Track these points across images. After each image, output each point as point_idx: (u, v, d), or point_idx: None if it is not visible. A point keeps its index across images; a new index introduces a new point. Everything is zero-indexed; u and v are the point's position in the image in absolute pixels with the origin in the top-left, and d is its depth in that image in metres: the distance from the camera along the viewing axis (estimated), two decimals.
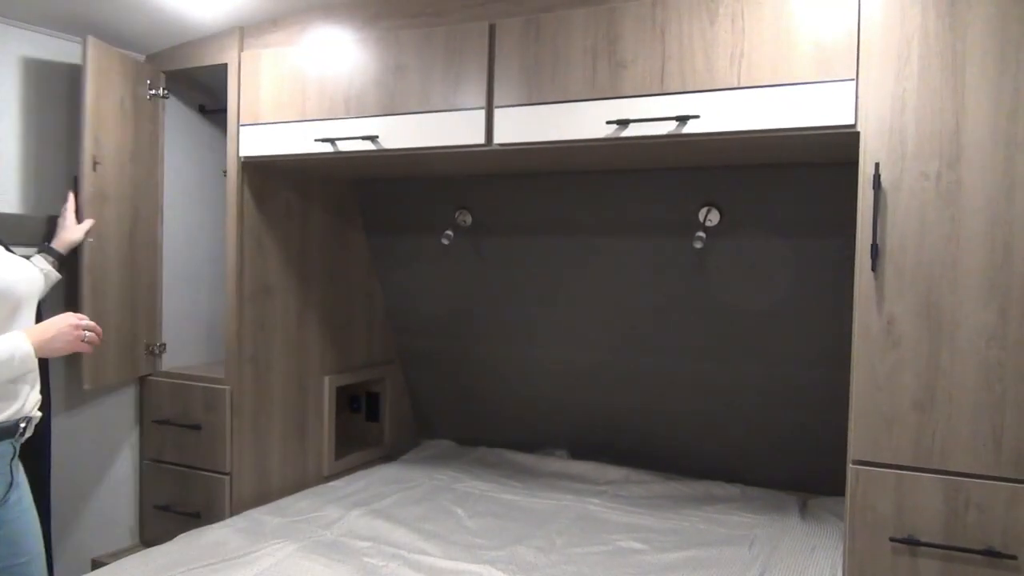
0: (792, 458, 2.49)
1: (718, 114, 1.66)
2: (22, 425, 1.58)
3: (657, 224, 2.34)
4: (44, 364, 1.71)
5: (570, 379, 2.71)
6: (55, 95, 2.23)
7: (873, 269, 1.52)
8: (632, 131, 1.74)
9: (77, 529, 2.36)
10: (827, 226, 2.10)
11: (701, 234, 2.16)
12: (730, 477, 2.56)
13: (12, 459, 1.58)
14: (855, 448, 1.56)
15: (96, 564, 2.34)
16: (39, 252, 2.03)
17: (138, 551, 2.33)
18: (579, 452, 2.84)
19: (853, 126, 1.55)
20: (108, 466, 2.46)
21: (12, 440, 1.57)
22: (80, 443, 2.36)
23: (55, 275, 2.02)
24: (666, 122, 1.70)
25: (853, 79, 1.54)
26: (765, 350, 2.36)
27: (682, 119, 1.68)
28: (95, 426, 2.41)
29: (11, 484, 1.58)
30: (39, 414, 1.66)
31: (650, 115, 1.71)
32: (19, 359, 1.49)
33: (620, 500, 2.42)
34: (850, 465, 1.57)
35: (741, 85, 1.64)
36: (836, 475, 2.35)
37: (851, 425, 1.57)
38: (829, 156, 1.85)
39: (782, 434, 2.46)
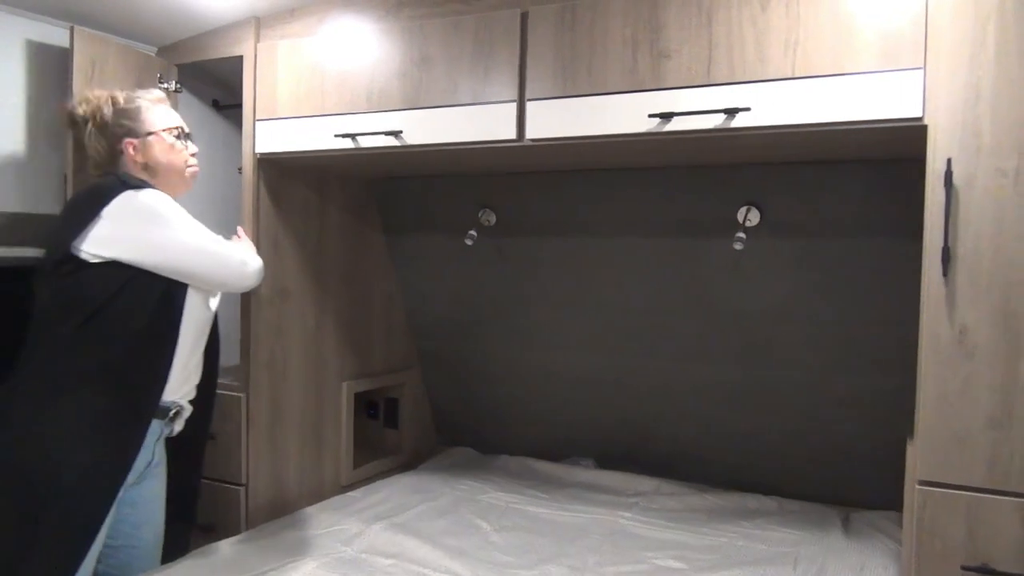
0: (831, 469, 2.38)
1: (771, 106, 1.54)
2: (173, 411, 1.72)
3: (692, 224, 2.22)
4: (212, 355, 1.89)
5: (597, 385, 2.60)
6: (58, 89, 2.13)
7: (944, 274, 1.40)
8: (676, 125, 1.63)
9: None
10: (876, 227, 1.99)
11: (741, 235, 2.04)
12: (766, 489, 2.44)
13: (157, 440, 1.72)
14: (922, 467, 1.44)
15: None
16: None
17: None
18: (606, 461, 2.73)
19: (920, 119, 1.43)
20: None
21: (162, 422, 1.70)
22: None
23: None
24: (714, 115, 1.58)
25: (921, 67, 1.42)
26: (803, 357, 2.24)
27: (731, 112, 1.57)
28: None
29: (150, 463, 1.72)
30: (189, 408, 1.79)
31: (696, 108, 1.59)
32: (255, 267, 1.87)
33: (652, 513, 2.31)
34: (916, 486, 1.45)
35: (796, 75, 1.52)
36: (879, 487, 2.27)
37: (917, 442, 1.45)
38: (889, 152, 1.73)
39: (821, 444, 2.34)
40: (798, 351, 2.23)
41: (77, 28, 2.02)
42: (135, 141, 1.76)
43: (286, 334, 2.35)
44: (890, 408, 2.13)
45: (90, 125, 1.77)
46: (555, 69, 1.76)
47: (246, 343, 2.23)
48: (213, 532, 2.23)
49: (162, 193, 1.71)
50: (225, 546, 1.95)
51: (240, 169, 2.24)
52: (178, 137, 1.82)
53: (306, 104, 2.08)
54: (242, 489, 2.23)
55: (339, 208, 2.54)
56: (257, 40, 2.18)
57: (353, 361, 2.64)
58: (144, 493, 1.78)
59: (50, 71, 2.08)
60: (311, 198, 2.42)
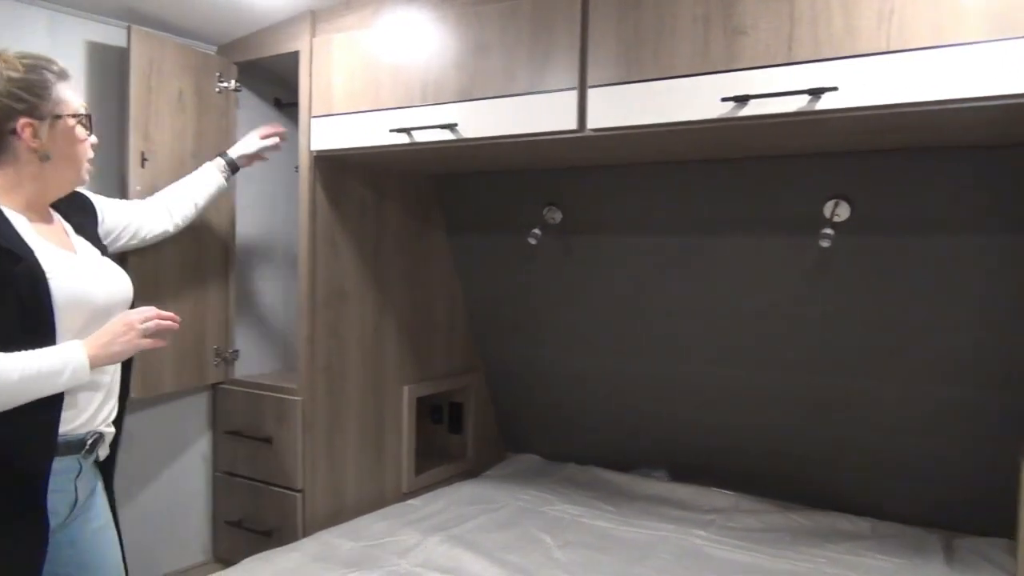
0: (931, 489, 2.16)
1: (862, 85, 1.37)
2: (89, 441, 1.42)
3: (772, 220, 2.04)
4: (125, 375, 1.56)
5: (669, 392, 2.44)
6: (117, 90, 2.12)
7: None
8: (752, 109, 1.47)
9: (150, 542, 2.26)
10: (985, 222, 1.77)
11: (828, 231, 1.84)
12: (857, 509, 2.23)
13: (77, 476, 1.41)
14: None
15: None
16: (217, 155, 2.11)
17: (210, 568, 2.24)
18: (679, 474, 2.57)
19: None
20: (182, 477, 2.35)
21: (78, 456, 1.40)
22: (153, 451, 2.27)
23: (222, 182, 2.08)
24: (795, 97, 1.42)
25: None
26: (899, 366, 2.04)
27: (815, 92, 1.39)
28: (169, 434, 2.31)
29: (75, 503, 1.42)
30: (112, 430, 1.50)
31: (775, 89, 1.43)
32: (71, 371, 1.32)
33: (729, 532, 2.14)
34: None
35: (891, 49, 1.34)
36: (985, 511, 2.04)
37: None
38: (1001, 135, 1.53)
39: (918, 461, 2.13)
40: (892, 359, 2.03)
41: (135, 28, 2.01)
42: (35, 123, 1.38)
43: (344, 337, 2.28)
44: (999, 423, 1.92)
45: None
46: (618, 53, 1.62)
47: (303, 346, 2.18)
48: (270, 538, 2.20)
49: None
50: (277, 554, 1.89)
51: (297, 167, 2.19)
52: (84, 125, 1.47)
53: (361, 99, 2.01)
54: (299, 495, 2.19)
55: (398, 206, 2.47)
56: (312, 35, 2.13)
57: (414, 364, 2.56)
58: (82, 529, 1.47)
59: (109, 72, 2.08)
60: (369, 196, 2.35)
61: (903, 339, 1.99)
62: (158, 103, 2.07)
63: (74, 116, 1.44)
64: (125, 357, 1.45)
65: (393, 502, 2.38)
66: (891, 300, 1.97)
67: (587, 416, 2.69)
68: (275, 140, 2.17)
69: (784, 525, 2.19)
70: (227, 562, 2.15)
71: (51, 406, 1.33)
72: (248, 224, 2.42)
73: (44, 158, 1.40)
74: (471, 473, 2.75)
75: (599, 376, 2.56)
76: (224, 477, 2.38)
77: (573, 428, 2.76)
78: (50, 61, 1.44)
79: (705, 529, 2.15)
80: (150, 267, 2.07)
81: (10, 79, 1.36)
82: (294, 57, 2.16)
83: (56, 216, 1.50)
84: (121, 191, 2.07)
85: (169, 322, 1.48)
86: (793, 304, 2.10)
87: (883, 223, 1.88)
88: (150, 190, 2.06)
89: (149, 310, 1.46)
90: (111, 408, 1.49)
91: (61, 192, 1.49)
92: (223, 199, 2.21)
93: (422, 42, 1.89)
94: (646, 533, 2.13)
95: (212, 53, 2.32)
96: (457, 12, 1.85)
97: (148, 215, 1.89)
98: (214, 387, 2.39)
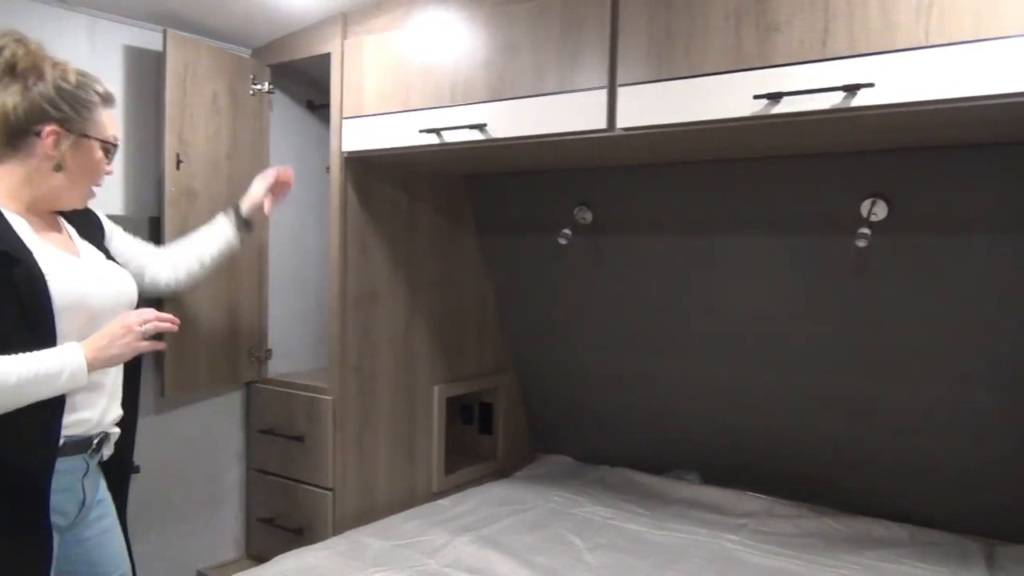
0: (972, 495, 2.10)
1: (899, 81, 1.33)
2: (95, 441, 1.43)
3: (806, 219, 2.00)
4: (134, 375, 1.59)
5: (702, 394, 2.41)
6: (153, 93, 2.16)
7: None
8: (785, 106, 1.44)
9: (184, 538, 2.29)
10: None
11: (864, 230, 1.80)
12: (895, 515, 2.18)
13: (84, 476, 1.43)
14: None
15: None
16: (225, 212, 1.94)
17: (243, 565, 2.27)
18: (712, 476, 2.53)
19: None
20: (216, 474, 2.39)
21: (84, 456, 1.42)
22: (188, 448, 2.30)
23: (232, 239, 1.91)
24: (830, 93, 1.38)
25: None
26: (939, 368, 1.98)
27: (851, 89, 1.36)
28: (203, 431, 2.34)
29: (83, 502, 1.44)
30: (117, 431, 1.51)
31: (809, 86, 1.40)
32: (68, 374, 1.31)
33: (762, 537, 2.10)
34: None
35: (930, 43, 1.31)
36: None
37: None
38: None
39: (959, 466, 2.07)
40: (933, 362, 1.97)
41: (170, 32, 2.04)
42: (61, 133, 1.39)
43: (375, 337, 2.30)
44: None
45: (2, 75, 1.38)
46: (648, 51, 1.60)
47: (334, 345, 2.19)
48: (302, 536, 2.22)
49: None
50: (308, 553, 1.91)
51: (328, 168, 2.21)
52: (107, 153, 1.48)
53: (391, 100, 2.01)
54: (330, 494, 2.20)
55: (429, 207, 2.47)
56: (344, 37, 2.14)
57: (445, 364, 2.56)
58: (91, 527, 1.50)
59: (146, 75, 2.11)
60: (400, 197, 2.36)
61: (944, 341, 1.94)
62: (193, 106, 2.11)
63: (101, 142, 1.45)
64: (124, 360, 1.43)
65: (423, 502, 2.38)
66: (934, 301, 1.91)
67: (619, 417, 2.67)
68: (278, 187, 2.01)
69: (819, 530, 2.15)
70: (259, 559, 2.18)
71: (52, 408, 1.32)
72: (281, 225, 2.44)
73: (57, 168, 1.40)
74: (501, 474, 2.74)
75: (631, 377, 2.54)
76: (257, 475, 2.41)
77: (605, 429, 2.74)
78: (102, 85, 1.47)
79: (737, 533, 2.12)
80: None
81: (59, 87, 1.38)
82: (326, 59, 2.18)
83: (62, 221, 1.50)
84: (157, 193, 2.11)
85: (168, 324, 1.47)
86: (828, 305, 2.06)
87: (924, 222, 1.83)
88: (185, 192, 2.09)
89: (148, 312, 1.45)
90: (117, 408, 1.50)
91: (59, 206, 1.47)
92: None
93: (452, 42, 1.89)
94: (677, 537, 2.11)
95: (246, 56, 2.35)
96: (487, 12, 1.85)
97: (155, 259, 1.81)
98: (248, 386, 2.42)
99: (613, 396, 2.62)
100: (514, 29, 1.79)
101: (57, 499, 1.36)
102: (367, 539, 2.01)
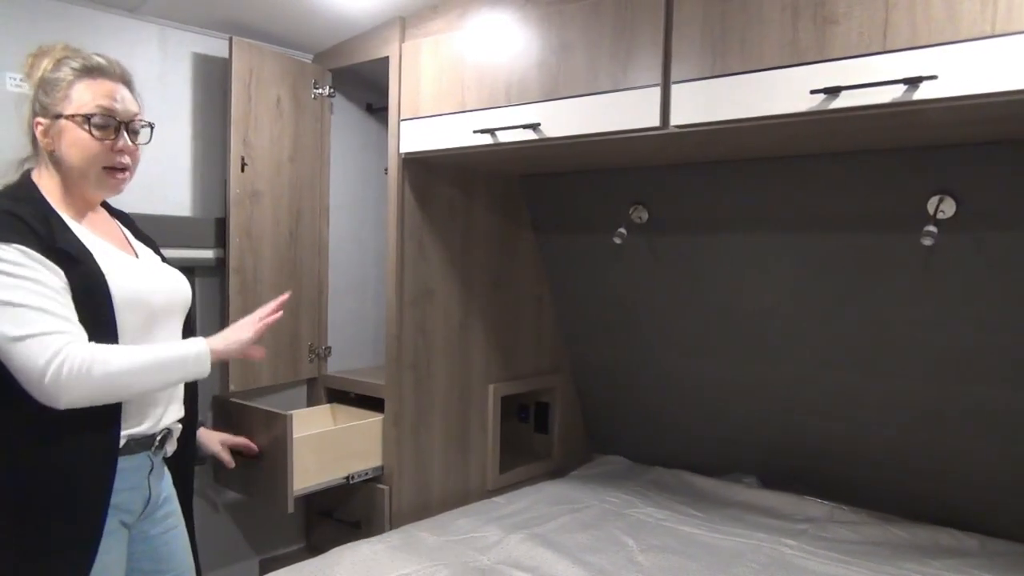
0: None
1: (964, 73, 1.28)
2: (159, 438, 1.47)
3: (869, 218, 1.94)
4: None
5: (761, 396, 2.36)
6: (220, 98, 2.23)
7: None
8: (844, 101, 1.40)
9: (247, 529, 2.37)
10: None
11: (931, 228, 1.74)
12: (963, 523, 2.10)
13: (150, 473, 1.46)
14: None
15: (264, 565, 2.35)
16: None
17: (301, 556, 2.32)
18: (771, 480, 2.48)
19: None
20: None
21: (148, 453, 1.45)
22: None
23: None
24: (891, 87, 1.35)
25: None
26: (1009, 371, 1.90)
27: (913, 82, 1.32)
28: None
29: (148, 499, 1.47)
30: (179, 427, 1.55)
31: (869, 79, 1.37)
32: (193, 358, 1.42)
33: (822, 543, 2.05)
34: None
35: (996, 33, 1.26)
36: None
37: None
38: None
39: None
40: (1003, 364, 1.89)
41: (236, 39, 2.12)
42: (44, 122, 1.35)
43: (431, 335, 2.33)
44: None
45: (27, 86, 1.39)
46: (703, 47, 1.59)
47: (391, 343, 2.23)
48: (359, 530, 2.26)
49: (11, 249, 1.24)
50: (364, 546, 1.94)
51: (386, 170, 2.25)
52: (98, 126, 1.35)
53: (447, 101, 2.04)
54: (386, 489, 2.24)
55: (485, 207, 2.50)
56: (402, 40, 2.18)
57: (500, 363, 2.58)
58: (157, 524, 1.53)
59: (213, 81, 2.19)
60: (456, 197, 2.39)
61: (1016, 343, 1.86)
62: (257, 110, 2.18)
63: (73, 116, 1.34)
64: (234, 356, 1.56)
65: (478, 499, 2.41)
66: (1002, 301, 1.84)
67: (675, 418, 2.64)
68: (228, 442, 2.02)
69: (882, 538, 2.08)
70: (317, 550, 2.23)
71: (110, 412, 1.34)
72: (340, 225, 2.50)
73: (53, 158, 1.37)
74: (556, 473, 2.74)
75: (688, 378, 2.51)
76: None
77: (661, 430, 2.71)
78: (85, 57, 1.38)
79: (796, 539, 2.07)
80: (250, 267, 2.18)
81: (41, 79, 1.37)
82: (384, 63, 2.22)
83: (119, 225, 1.54)
84: (222, 195, 2.19)
85: (273, 317, 1.61)
86: (894, 306, 2.00)
87: (995, 219, 1.76)
88: (249, 193, 2.16)
89: (261, 311, 1.61)
90: (178, 408, 1.53)
91: (91, 198, 1.43)
92: (311, 200, 2.29)
93: (506, 43, 1.91)
94: (732, 540, 2.07)
95: (308, 61, 2.41)
96: (540, 12, 1.86)
97: None
98: (309, 382, 2.49)
99: (670, 397, 2.60)
100: (567, 29, 1.79)
101: (123, 497, 1.39)
102: (421, 534, 2.04)
